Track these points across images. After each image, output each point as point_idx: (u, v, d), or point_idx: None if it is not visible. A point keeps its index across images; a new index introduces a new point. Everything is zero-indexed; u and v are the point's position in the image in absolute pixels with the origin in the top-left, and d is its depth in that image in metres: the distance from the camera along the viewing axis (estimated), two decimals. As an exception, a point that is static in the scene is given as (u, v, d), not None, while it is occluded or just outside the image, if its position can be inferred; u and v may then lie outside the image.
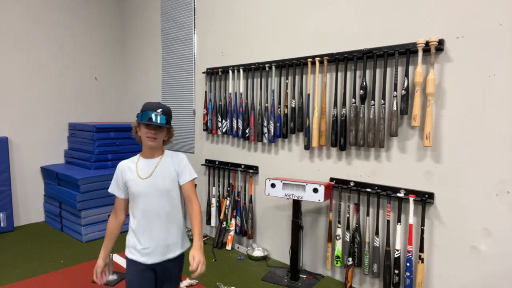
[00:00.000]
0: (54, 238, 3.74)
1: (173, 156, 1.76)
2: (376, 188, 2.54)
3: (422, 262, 2.29)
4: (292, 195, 2.71)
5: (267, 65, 3.12)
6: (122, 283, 2.68)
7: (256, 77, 3.30)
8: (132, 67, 4.95)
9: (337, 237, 2.72)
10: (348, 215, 2.71)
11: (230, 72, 3.43)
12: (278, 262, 3.20)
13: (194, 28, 3.91)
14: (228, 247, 3.45)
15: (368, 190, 2.55)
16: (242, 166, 3.46)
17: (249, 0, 3.32)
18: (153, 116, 1.61)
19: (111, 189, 1.76)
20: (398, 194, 2.41)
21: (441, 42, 2.18)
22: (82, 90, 4.66)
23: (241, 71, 3.35)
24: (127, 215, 1.77)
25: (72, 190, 3.70)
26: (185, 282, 2.67)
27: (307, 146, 2.85)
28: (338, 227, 2.73)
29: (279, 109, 3.06)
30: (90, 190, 3.66)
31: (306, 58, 2.84)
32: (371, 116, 2.47)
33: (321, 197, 2.59)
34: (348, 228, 2.71)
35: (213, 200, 3.67)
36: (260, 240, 3.42)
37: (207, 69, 3.71)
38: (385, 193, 2.46)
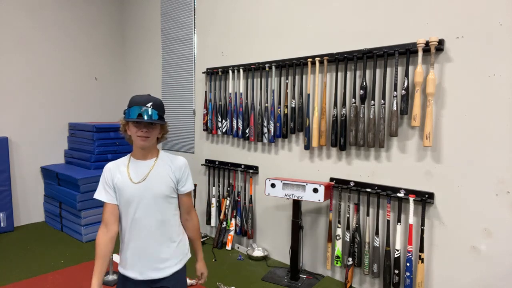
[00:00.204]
0: (54, 238, 3.74)
1: (172, 160, 1.55)
2: (376, 188, 2.54)
3: (422, 262, 2.29)
4: (292, 195, 2.71)
5: (267, 65, 3.12)
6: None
7: (256, 77, 3.29)
8: (132, 67, 4.95)
9: (337, 237, 2.72)
10: (348, 215, 2.71)
11: (230, 72, 3.43)
12: (278, 262, 3.20)
13: (194, 28, 3.91)
14: (228, 247, 3.45)
15: (368, 190, 2.55)
16: (242, 166, 3.46)
17: (249, 0, 3.32)
18: (143, 111, 1.37)
19: (99, 195, 1.49)
20: (398, 194, 2.41)
21: (441, 42, 2.17)
22: (82, 90, 4.66)
23: (241, 71, 3.35)
24: None
25: (72, 190, 3.70)
26: (185, 282, 2.68)
27: (307, 146, 2.85)
28: (338, 227, 2.73)
29: (279, 109, 3.06)
30: (90, 190, 3.66)
31: (306, 58, 2.84)
32: (371, 116, 2.47)
33: (321, 197, 2.59)
34: (348, 228, 2.71)
35: (213, 200, 3.67)
36: (260, 240, 3.41)
37: (207, 69, 3.71)
38: (385, 193, 2.46)
